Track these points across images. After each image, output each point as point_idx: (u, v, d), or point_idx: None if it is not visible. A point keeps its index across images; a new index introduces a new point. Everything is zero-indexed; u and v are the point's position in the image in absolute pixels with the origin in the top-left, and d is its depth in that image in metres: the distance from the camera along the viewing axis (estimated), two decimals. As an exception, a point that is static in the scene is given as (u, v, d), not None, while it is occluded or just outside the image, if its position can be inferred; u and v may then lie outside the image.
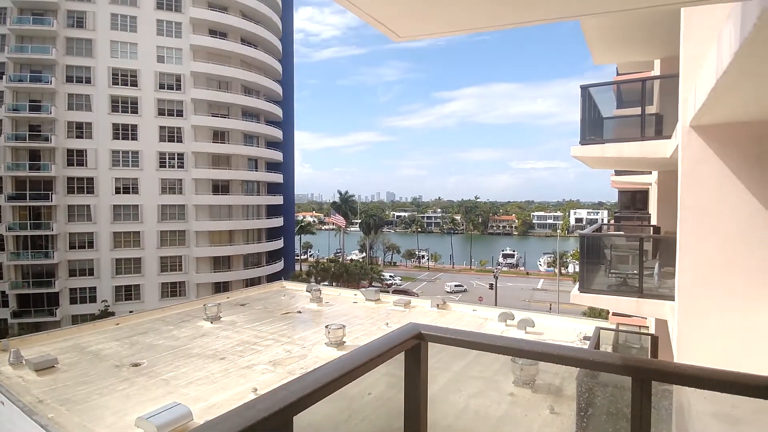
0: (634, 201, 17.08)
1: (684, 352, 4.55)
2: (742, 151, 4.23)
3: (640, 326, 11.87)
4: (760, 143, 4.12)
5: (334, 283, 54.05)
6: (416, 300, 19.35)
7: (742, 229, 4.24)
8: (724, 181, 4.31)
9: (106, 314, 37.48)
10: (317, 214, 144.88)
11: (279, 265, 53.67)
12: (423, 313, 17.35)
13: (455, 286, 64.90)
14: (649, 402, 1.68)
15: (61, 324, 38.32)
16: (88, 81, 43.07)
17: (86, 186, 42.99)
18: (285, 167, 56.76)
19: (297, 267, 67.99)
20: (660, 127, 7.33)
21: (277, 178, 54.48)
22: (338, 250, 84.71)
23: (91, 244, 43.12)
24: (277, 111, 54.08)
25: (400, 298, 18.88)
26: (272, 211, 54.26)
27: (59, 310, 41.29)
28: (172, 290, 45.54)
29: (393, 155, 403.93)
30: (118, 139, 43.85)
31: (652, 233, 10.37)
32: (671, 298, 5.53)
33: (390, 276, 71.71)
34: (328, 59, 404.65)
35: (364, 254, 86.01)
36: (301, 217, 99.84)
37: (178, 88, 45.75)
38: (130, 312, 21.52)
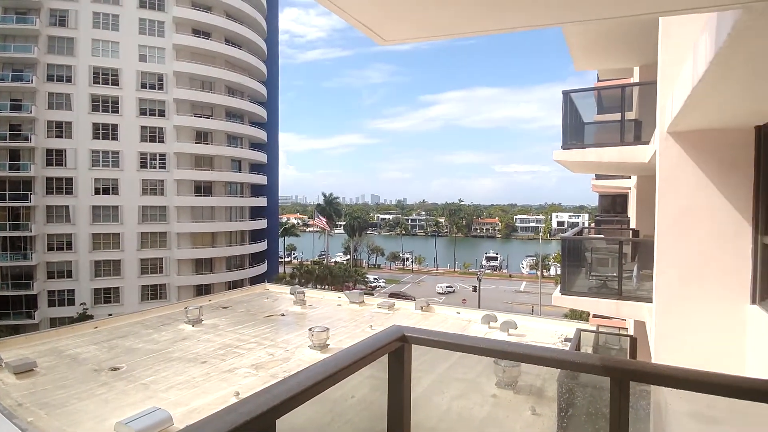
0: (614, 205, 17.40)
1: (661, 353, 4.65)
2: (717, 157, 4.35)
3: (619, 328, 12.09)
4: (733, 150, 4.24)
5: (318, 286, 53.82)
6: (400, 302, 19.37)
7: (716, 232, 4.35)
8: (700, 186, 4.43)
9: (84, 317, 36.68)
10: (301, 216, 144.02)
11: (262, 268, 53.20)
12: (407, 315, 17.37)
13: (446, 287, 66.83)
14: (627, 402, 1.72)
15: (40, 327, 37.40)
16: (69, 80, 42.19)
17: (65, 186, 42.04)
18: (269, 169, 56.31)
19: (281, 269, 67.47)
20: (639, 132, 7.49)
21: (261, 179, 54.04)
22: (322, 253, 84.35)
23: (69, 246, 42.14)
24: (262, 112, 53.68)
25: (384, 301, 18.87)
26: (256, 212, 53.79)
27: (37, 312, 40.26)
28: (153, 293, 44.75)
29: (378, 158, 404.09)
30: (99, 138, 42.99)
31: (631, 236, 10.58)
32: (649, 299, 5.65)
33: (374, 278, 71.67)
34: (314, 61, 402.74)
35: (349, 257, 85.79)
36: (285, 219, 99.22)
37: (161, 87, 45.08)
38: (110, 315, 21.10)
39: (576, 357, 2.03)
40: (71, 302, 41.79)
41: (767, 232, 4.00)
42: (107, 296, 43.25)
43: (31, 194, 40.34)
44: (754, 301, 4.11)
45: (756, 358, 3.98)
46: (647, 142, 6.71)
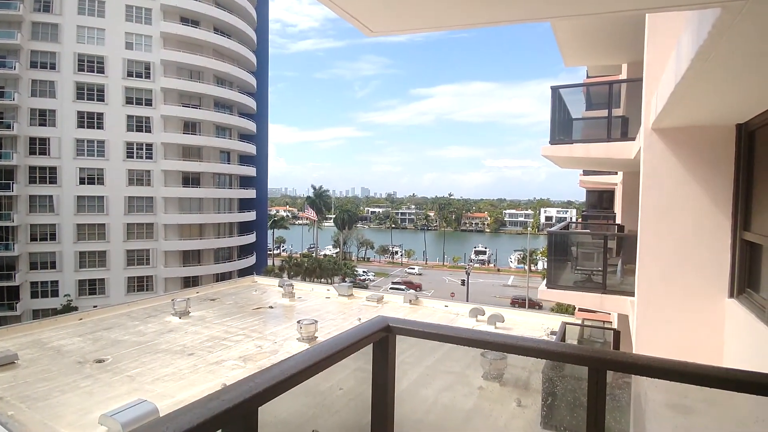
0: (601, 200, 17.60)
1: (642, 345, 4.75)
2: (699, 154, 4.43)
3: (603, 321, 12.27)
4: (714, 147, 4.32)
5: (306, 279, 53.77)
6: (388, 296, 19.45)
7: (698, 227, 4.44)
8: (682, 182, 4.51)
9: (68, 309, 36.27)
10: (291, 208, 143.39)
11: (251, 260, 52.94)
12: (395, 308, 17.46)
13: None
14: (604, 390, 1.76)
15: (22, 318, 36.85)
16: (53, 67, 41.28)
17: (49, 176, 41.27)
18: (258, 160, 55.86)
19: (269, 262, 67.21)
20: (625, 129, 7.58)
21: (250, 171, 53.60)
22: (312, 245, 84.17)
23: (53, 236, 41.48)
24: (251, 103, 53.14)
25: (373, 294, 18.96)
26: (245, 204, 53.40)
27: (20, 304, 39.62)
28: (139, 285, 44.32)
29: (369, 151, 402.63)
30: (83, 127, 42.23)
31: (616, 231, 10.73)
32: (632, 293, 5.75)
33: (363, 272, 71.78)
34: (306, 51, 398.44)
35: (338, 250, 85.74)
36: (275, 212, 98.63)
37: (147, 76, 44.35)
38: (95, 307, 20.87)
39: (556, 347, 2.07)
40: (55, 294, 41.22)
41: (746, 227, 4.09)
42: (92, 288, 42.73)
43: (13, 183, 39.55)
44: (732, 295, 4.21)
45: (733, 350, 4.08)
46: (633, 139, 6.79)
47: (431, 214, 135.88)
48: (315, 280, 54.53)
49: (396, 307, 17.65)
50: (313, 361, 1.60)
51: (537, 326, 15.01)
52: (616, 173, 12.86)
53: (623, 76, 10.97)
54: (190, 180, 46.84)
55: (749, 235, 4.00)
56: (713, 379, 1.75)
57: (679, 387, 1.85)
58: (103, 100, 42.81)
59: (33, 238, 41.01)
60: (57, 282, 41.57)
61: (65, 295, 41.01)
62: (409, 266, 78.56)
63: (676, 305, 4.52)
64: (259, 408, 1.39)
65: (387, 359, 2.08)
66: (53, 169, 41.39)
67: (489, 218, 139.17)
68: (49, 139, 41.20)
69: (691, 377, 1.74)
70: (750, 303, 3.82)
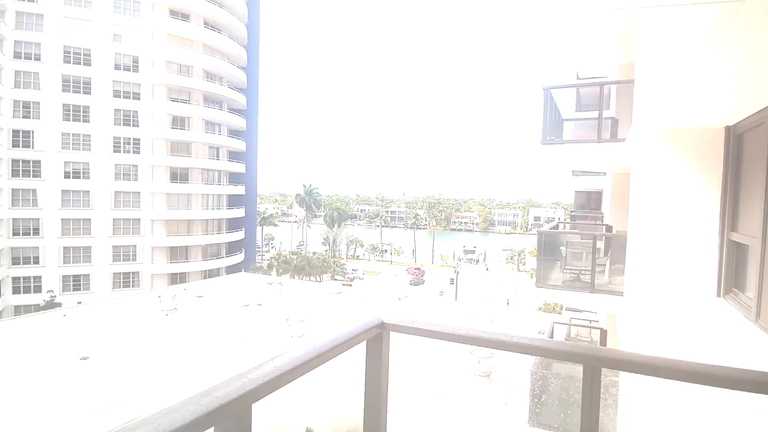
0: (589, 201, 17.77)
1: (630, 344, 4.80)
2: (689, 156, 4.48)
3: (590, 321, 12.40)
4: (704, 149, 4.37)
5: (295, 276, 53.55)
6: (379, 294, 19.45)
7: (686, 228, 4.49)
8: (672, 183, 4.56)
9: (52, 305, 35.63)
10: (280, 205, 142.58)
11: (239, 257, 52.55)
12: (385, 307, 17.47)
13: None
14: (598, 388, 1.76)
15: (3, 314, 36.14)
16: (38, 58, 40.48)
17: (32, 169, 40.51)
18: (248, 156, 55.46)
19: (258, 259, 66.78)
20: (615, 130, 7.65)
21: (240, 167, 53.19)
22: (301, 243, 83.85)
23: (36, 231, 40.71)
24: (241, 99, 52.69)
25: (363, 292, 18.95)
26: (233, 201, 52.98)
27: (1, 299, 38.87)
28: (125, 280, 43.73)
29: (361, 149, 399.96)
30: (69, 120, 41.51)
31: (604, 232, 10.83)
32: (620, 293, 5.81)
33: (353, 269, 71.72)
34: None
35: (327, 247, 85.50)
36: (264, 209, 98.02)
37: (135, 69, 43.70)
38: (79, 303, 20.52)
39: (551, 344, 2.07)
40: (38, 289, 40.47)
41: (734, 228, 4.15)
42: (77, 283, 42.05)
43: (-5, 176, 38.80)
44: (719, 294, 4.27)
45: (720, 348, 4.14)
46: (623, 140, 6.85)
47: (421, 212, 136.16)
48: (304, 277, 54.35)
49: (386, 306, 17.67)
50: (307, 357, 1.57)
51: (525, 325, 15.13)
52: (605, 174, 12.99)
53: (613, 78, 11.06)
54: (179, 175, 46.31)
55: (736, 236, 4.05)
56: (705, 376, 1.76)
57: (667, 384, 1.86)
58: (90, 93, 42.10)
59: (15, 233, 40.21)
60: (40, 277, 40.82)
61: (48, 291, 40.31)
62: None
63: (664, 304, 4.57)
64: (253, 405, 1.36)
65: (381, 357, 2.05)
66: (37, 162, 40.62)
67: (478, 217, 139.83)
68: (32, 131, 40.41)
69: (683, 374, 1.75)
70: (737, 302, 3.87)
